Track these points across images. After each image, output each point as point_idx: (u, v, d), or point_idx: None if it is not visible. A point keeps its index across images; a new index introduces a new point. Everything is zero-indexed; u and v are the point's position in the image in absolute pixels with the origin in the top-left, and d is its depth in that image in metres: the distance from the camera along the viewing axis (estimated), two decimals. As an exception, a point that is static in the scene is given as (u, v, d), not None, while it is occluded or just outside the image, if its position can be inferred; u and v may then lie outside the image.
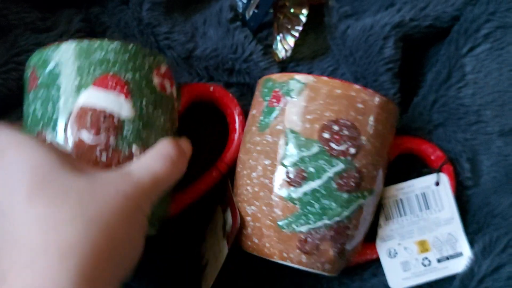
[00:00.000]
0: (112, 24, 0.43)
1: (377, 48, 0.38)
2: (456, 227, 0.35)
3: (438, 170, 0.35)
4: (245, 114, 0.39)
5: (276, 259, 0.32)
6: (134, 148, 0.31)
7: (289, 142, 0.31)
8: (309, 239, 0.31)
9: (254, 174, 0.32)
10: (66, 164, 0.26)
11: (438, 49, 0.40)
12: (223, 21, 0.41)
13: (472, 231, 0.35)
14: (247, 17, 0.41)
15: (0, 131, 0.27)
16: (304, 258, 0.31)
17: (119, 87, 0.30)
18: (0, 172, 0.25)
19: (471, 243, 0.35)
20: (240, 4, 0.42)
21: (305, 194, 0.30)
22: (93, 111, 0.30)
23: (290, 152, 0.31)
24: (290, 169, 0.31)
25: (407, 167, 0.37)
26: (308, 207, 0.31)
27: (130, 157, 0.30)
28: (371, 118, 0.31)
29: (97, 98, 0.30)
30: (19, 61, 0.39)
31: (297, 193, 0.31)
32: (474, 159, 0.36)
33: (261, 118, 0.33)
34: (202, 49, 0.41)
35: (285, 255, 0.31)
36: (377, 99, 0.32)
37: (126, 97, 0.30)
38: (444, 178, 0.35)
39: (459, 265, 0.34)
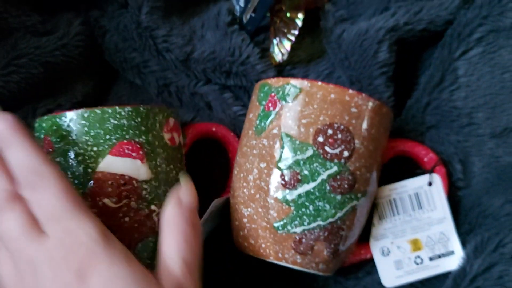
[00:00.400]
0: (111, 27, 0.44)
1: (371, 52, 0.39)
2: (448, 226, 0.36)
3: (431, 171, 0.36)
4: (240, 118, 0.40)
5: (272, 260, 0.33)
6: (153, 206, 0.32)
7: (284, 146, 0.32)
8: (303, 240, 0.32)
9: (250, 177, 0.33)
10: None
11: (432, 52, 0.40)
12: (221, 25, 0.42)
13: (464, 231, 0.36)
14: (245, 21, 0.42)
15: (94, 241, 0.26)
16: (299, 258, 0.32)
17: (135, 153, 0.31)
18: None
19: (463, 243, 0.36)
20: (237, 8, 0.42)
21: (300, 196, 0.31)
22: (113, 178, 0.31)
23: (285, 155, 0.32)
24: (285, 172, 0.32)
25: (401, 168, 0.38)
26: (303, 209, 0.31)
27: (150, 214, 0.32)
28: (365, 122, 0.32)
29: (115, 165, 0.31)
30: (20, 64, 0.40)
31: (292, 195, 0.31)
32: (466, 160, 0.37)
33: (257, 122, 0.34)
34: (200, 52, 0.41)
35: (280, 255, 0.32)
36: (370, 103, 0.32)
37: (142, 161, 0.32)
38: (437, 179, 0.36)
39: (450, 264, 0.35)
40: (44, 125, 0.32)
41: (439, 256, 0.36)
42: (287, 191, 0.32)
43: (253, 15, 0.42)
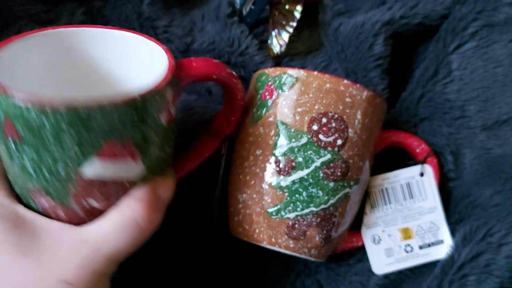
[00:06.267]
0: (113, 17, 0.45)
1: (367, 44, 0.40)
2: (438, 216, 0.36)
3: (423, 162, 0.37)
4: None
5: (265, 245, 0.33)
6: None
7: (280, 133, 0.33)
8: (296, 226, 0.33)
9: (246, 164, 0.34)
10: (14, 239, 0.24)
11: (427, 47, 0.41)
12: (221, 16, 0.43)
13: (454, 221, 0.37)
14: (244, 13, 0.43)
15: None
16: (291, 243, 0.33)
17: (125, 152, 0.25)
18: None
19: (453, 232, 0.36)
20: (237, 0, 0.43)
21: (294, 182, 0.32)
22: (101, 182, 0.25)
23: (281, 143, 0.33)
24: (280, 158, 0.33)
25: (394, 159, 0.39)
26: (296, 195, 0.32)
27: None
28: (359, 112, 0.33)
29: (103, 169, 0.25)
30: (23, 52, 0.40)
31: (286, 181, 0.32)
32: (457, 152, 0.38)
33: (254, 110, 0.35)
34: (199, 43, 0.42)
35: (273, 240, 0.33)
36: (365, 94, 0.33)
37: (134, 159, 0.26)
38: (428, 169, 0.37)
39: (440, 252, 0.36)
40: (2, 103, 0.23)
41: (429, 245, 0.36)
42: (282, 177, 0.32)
43: (252, 7, 0.42)
